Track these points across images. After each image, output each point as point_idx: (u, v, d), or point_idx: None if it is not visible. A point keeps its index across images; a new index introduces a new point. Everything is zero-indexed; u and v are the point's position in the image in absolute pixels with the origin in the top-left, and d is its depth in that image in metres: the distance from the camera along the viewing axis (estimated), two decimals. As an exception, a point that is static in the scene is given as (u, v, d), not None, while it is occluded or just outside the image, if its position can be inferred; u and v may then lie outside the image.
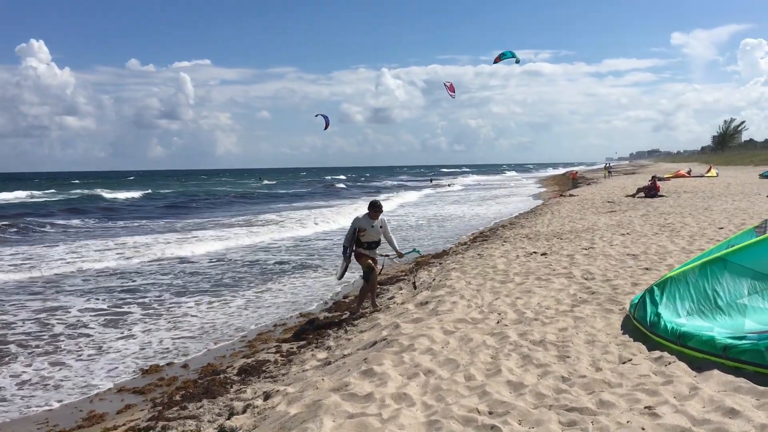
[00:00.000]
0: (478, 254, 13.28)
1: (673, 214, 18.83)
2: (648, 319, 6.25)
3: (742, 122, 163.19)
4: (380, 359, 6.24)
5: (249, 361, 8.02)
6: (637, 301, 6.85)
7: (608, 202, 25.60)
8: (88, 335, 9.99)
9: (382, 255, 10.20)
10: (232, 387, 7.00)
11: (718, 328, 5.92)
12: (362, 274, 9.87)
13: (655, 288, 6.61)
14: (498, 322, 7.34)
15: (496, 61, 20.49)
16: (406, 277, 12.53)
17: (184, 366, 8.50)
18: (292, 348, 8.48)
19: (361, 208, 30.78)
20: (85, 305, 11.99)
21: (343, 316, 9.89)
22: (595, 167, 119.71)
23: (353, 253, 9.87)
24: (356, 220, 9.91)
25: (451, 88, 20.08)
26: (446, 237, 21.51)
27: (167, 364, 8.58)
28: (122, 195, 57.14)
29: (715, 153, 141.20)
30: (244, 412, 5.83)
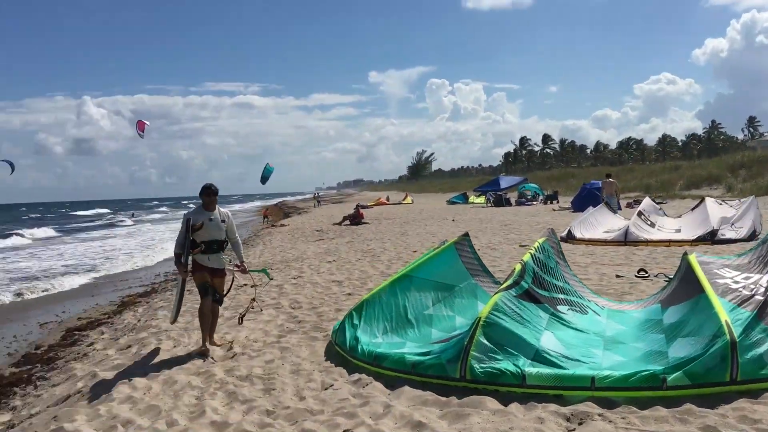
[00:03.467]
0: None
1: (374, 240, 20.25)
2: (348, 343, 6.57)
3: (432, 153, 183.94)
4: (72, 415, 5.70)
5: None
6: (338, 326, 7.17)
7: (317, 230, 26.68)
8: None
9: (228, 267, 7.91)
10: None
11: (409, 343, 6.45)
12: (199, 290, 7.58)
13: (354, 312, 7.00)
14: (204, 361, 7.14)
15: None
16: (109, 321, 11.60)
17: None
18: (-36, 416, 7.31)
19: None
20: None
21: (34, 370, 8.79)
22: (306, 197, 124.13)
23: (190, 262, 7.50)
24: (187, 213, 7.62)
25: (141, 126, 18.22)
26: (156, 272, 20.50)
27: None
28: None
29: (410, 181, 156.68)
30: None
